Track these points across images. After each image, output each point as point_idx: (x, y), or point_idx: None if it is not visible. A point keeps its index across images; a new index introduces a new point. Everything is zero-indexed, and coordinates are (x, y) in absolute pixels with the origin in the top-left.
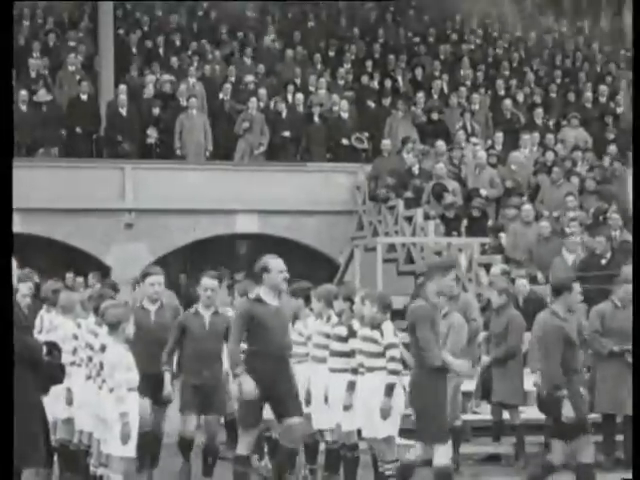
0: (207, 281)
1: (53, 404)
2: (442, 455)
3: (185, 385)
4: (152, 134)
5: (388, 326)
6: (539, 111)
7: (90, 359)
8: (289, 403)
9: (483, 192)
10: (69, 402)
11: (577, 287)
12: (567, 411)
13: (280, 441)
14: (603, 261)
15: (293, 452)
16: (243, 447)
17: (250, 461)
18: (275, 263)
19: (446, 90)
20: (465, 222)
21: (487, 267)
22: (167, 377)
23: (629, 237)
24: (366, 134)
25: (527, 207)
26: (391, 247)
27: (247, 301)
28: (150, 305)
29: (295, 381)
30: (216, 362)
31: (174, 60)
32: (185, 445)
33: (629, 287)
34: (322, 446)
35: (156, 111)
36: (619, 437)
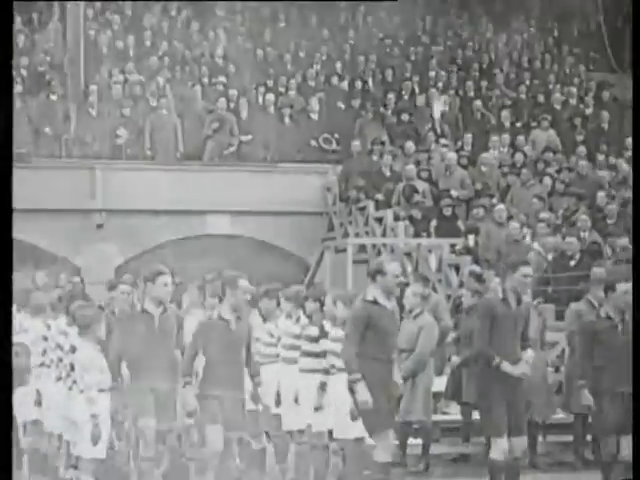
0: (245, 283)
1: (22, 406)
2: (497, 449)
3: (207, 397)
4: (122, 134)
5: None
6: (506, 113)
7: (60, 360)
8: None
9: (454, 193)
10: (38, 403)
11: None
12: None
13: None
14: (572, 262)
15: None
16: (382, 453)
17: (390, 468)
18: (391, 267)
19: (417, 91)
20: (434, 223)
21: (457, 268)
22: (189, 391)
23: (597, 238)
24: (336, 135)
25: (500, 207)
26: (361, 248)
27: (362, 302)
28: (154, 309)
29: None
30: (241, 372)
31: (144, 60)
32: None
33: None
34: (292, 447)
35: (126, 111)
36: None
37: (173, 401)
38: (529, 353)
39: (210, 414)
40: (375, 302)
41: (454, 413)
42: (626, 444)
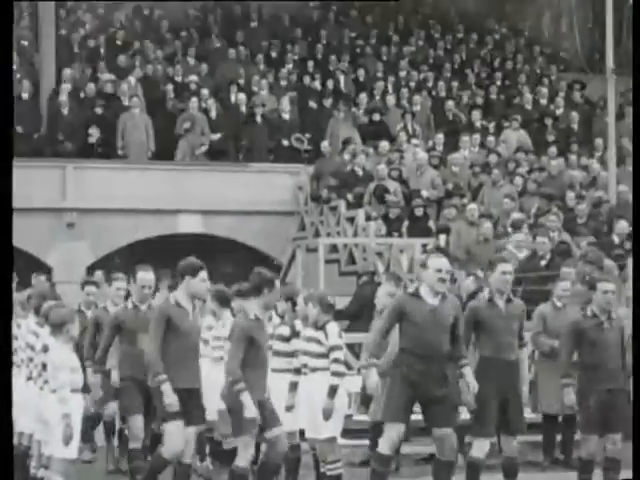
0: (279, 284)
1: None
2: (479, 448)
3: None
4: (94, 133)
5: (333, 327)
6: (476, 113)
7: (31, 360)
8: (438, 411)
9: (424, 193)
10: None
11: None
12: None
13: (437, 455)
14: (543, 262)
15: (449, 464)
16: (385, 445)
17: (392, 461)
18: (433, 262)
19: (390, 91)
20: (406, 223)
21: None
22: (247, 398)
23: (567, 237)
24: (307, 135)
25: (472, 206)
26: (333, 248)
27: (403, 294)
28: (188, 304)
29: (451, 387)
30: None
31: (116, 59)
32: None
33: (564, 284)
34: (263, 446)
35: (98, 110)
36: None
37: (200, 401)
38: (525, 352)
39: (272, 418)
40: (416, 295)
41: None
42: (610, 443)
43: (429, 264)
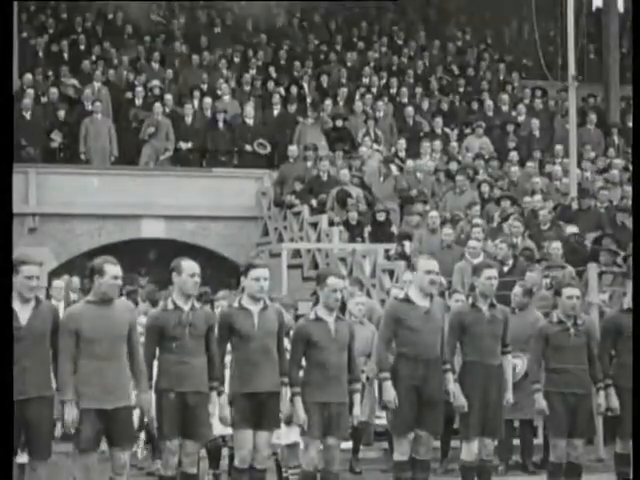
0: (335, 280)
1: None
2: (467, 451)
3: (309, 405)
4: (56, 138)
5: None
6: (438, 120)
7: None
8: (431, 415)
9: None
10: None
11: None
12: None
13: (412, 454)
14: (505, 268)
15: (423, 463)
16: (399, 453)
17: (409, 466)
18: (423, 263)
19: (356, 97)
20: (368, 228)
21: (391, 273)
22: (299, 401)
23: (530, 244)
24: (271, 140)
25: (433, 214)
26: (296, 253)
27: (393, 301)
28: (252, 305)
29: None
30: (344, 376)
31: (79, 64)
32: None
33: (517, 290)
34: (225, 451)
35: (61, 115)
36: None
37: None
38: (509, 358)
39: (311, 424)
40: (407, 300)
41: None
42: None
43: (418, 266)
